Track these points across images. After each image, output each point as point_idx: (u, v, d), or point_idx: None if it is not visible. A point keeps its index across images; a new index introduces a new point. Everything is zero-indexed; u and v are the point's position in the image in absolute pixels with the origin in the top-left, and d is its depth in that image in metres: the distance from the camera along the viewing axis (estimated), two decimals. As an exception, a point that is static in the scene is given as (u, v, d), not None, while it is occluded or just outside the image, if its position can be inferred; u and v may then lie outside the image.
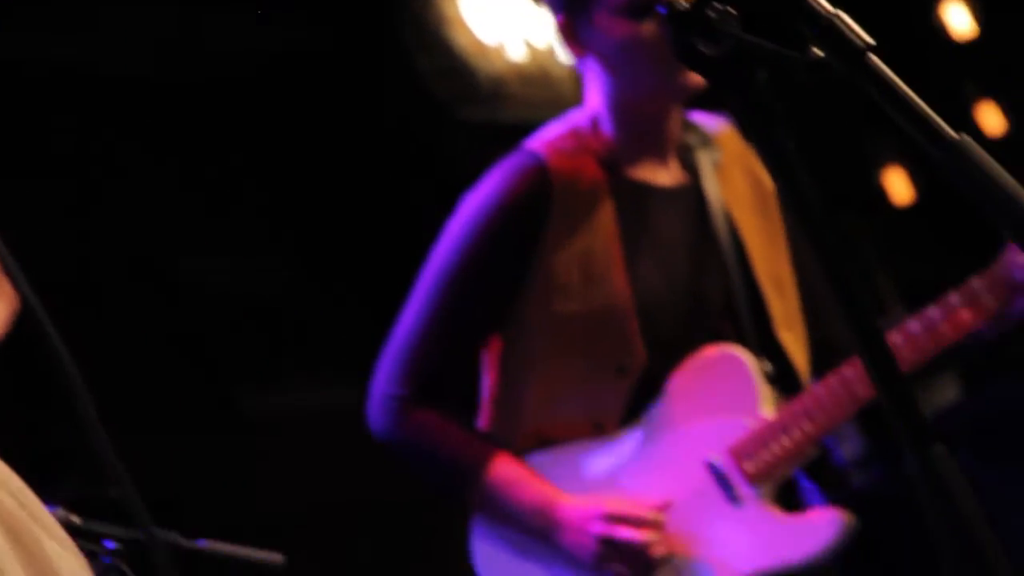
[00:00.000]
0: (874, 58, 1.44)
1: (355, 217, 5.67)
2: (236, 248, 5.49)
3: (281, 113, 5.42)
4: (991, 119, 6.83)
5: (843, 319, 1.36)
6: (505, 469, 2.79)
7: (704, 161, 2.88)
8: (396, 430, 2.84)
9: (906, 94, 1.42)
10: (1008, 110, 6.87)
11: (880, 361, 1.37)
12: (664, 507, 2.76)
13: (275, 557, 2.43)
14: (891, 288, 6.04)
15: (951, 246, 5.57)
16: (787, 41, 1.46)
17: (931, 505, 1.30)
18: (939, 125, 1.41)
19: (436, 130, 6.07)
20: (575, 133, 2.84)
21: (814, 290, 2.92)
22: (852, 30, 1.44)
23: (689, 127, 2.89)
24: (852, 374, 2.74)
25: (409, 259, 2.93)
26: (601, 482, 2.79)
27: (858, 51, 1.44)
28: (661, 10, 1.45)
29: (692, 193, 2.87)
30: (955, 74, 6.77)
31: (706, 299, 2.84)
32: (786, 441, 2.75)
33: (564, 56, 2.92)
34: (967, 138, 1.41)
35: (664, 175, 2.87)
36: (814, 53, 1.44)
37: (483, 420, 2.91)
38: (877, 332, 1.38)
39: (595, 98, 2.85)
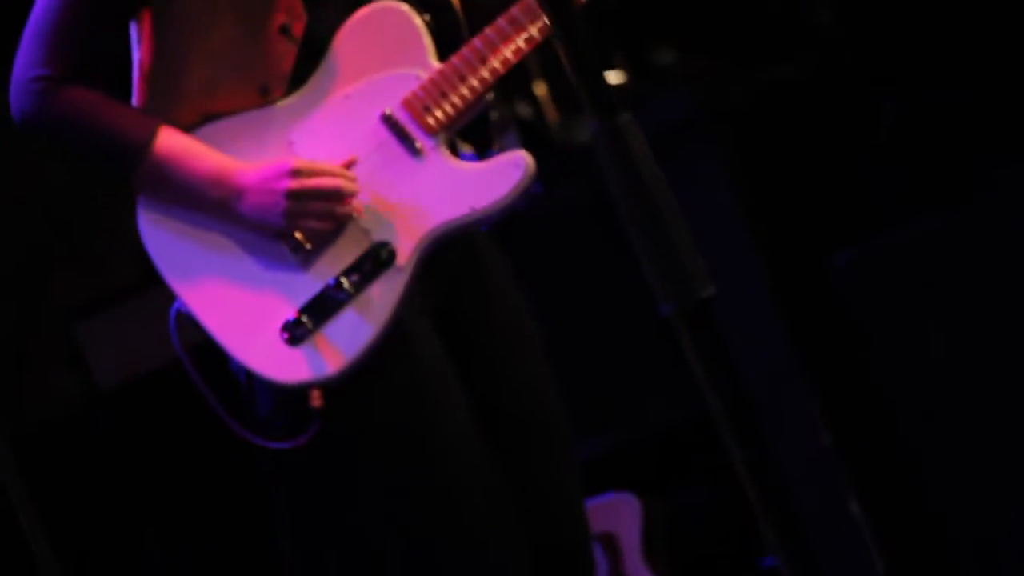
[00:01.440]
0: None
1: None
2: None
3: None
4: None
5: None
6: (174, 141, 2.67)
7: None
8: (44, 112, 2.67)
9: None
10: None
11: (569, 30, 1.35)
12: (348, 164, 2.71)
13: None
14: None
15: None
16: None
17: (615, 169, 1.30)
18: None
19: None
20: None
21: None
22: None
23: None
24: (519, 12, 2.73)
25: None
26: (276, 148, 2.71)
27: None
28: None
29: None
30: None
31: None
32: (460, 87, 2.72)
33: None
34: None
35: None
36: None
37: (137, 100, 2.78)
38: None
39: None
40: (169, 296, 2.74)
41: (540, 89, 5.50)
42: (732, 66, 4.69)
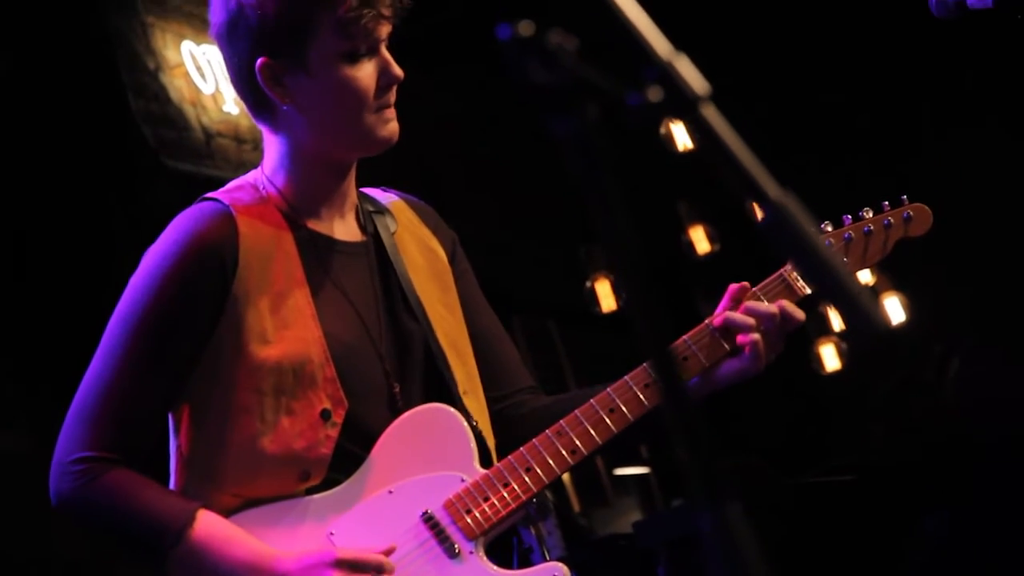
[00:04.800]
0: (708, 108, 1.42)
1: (53, 261, 5.48)
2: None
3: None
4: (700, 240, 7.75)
5: (653, 369, 1.34)
6: (211, 526, 2.63)
7: (381, 225, 2.88)
8: (83, 495, 2.63)
9: (735, 149, 1.41)
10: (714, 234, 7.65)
11: (681, 413, 1.35)
12: (387, 553, 2.67)
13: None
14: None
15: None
16: (626, 83, 1.44)
17: (724, 560, 1.29)
18: (765, 184, 1.41)
19: (142, 176, 5.91)
20: (253, 186, 2.79)
21: (496, 360, 2.94)
22: (688, 77, 1.43)
23: (363, 196, 2.89)
24: (566, 424, 2.73)
25: (106, 307, 2.77)
26: (315, 538, 2.67)
27: (691, 100, 1.42)
28: (503, 34, 1.42)
29: (372, 251, 2.85)
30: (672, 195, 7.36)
31: (393, 352, 2.79)
32: (502, 493, 2.71)
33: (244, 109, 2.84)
34: (789, 198, 1.40)
35: (343, 230, 2.84)
36: (649, 97, 1.42)
37: (176, 484, 2.74)
38: (678, 379, 1.36)
39: (277, 152, 2.79)
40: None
41: (564, 476, 5.53)
42: (775, 468, 4.69)
